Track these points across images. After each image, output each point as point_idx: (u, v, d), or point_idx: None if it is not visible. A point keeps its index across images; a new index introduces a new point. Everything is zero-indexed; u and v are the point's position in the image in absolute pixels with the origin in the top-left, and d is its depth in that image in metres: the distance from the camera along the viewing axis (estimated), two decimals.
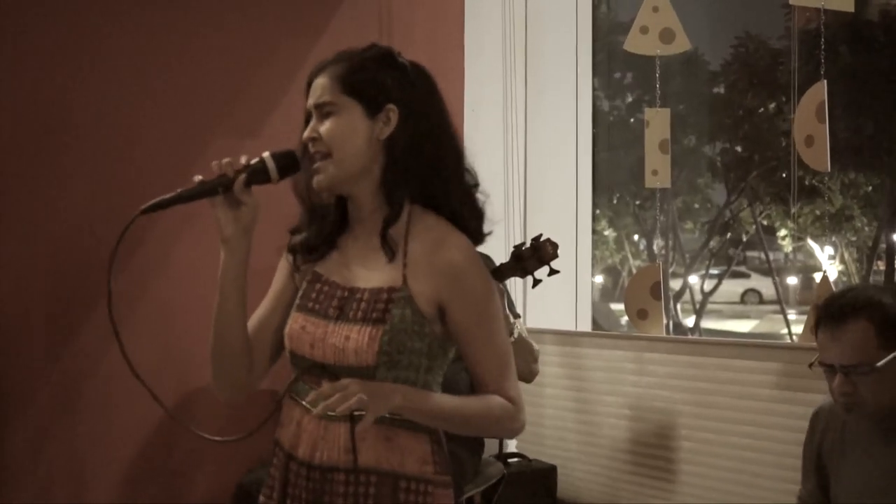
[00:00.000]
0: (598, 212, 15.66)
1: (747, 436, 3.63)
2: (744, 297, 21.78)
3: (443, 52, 4.46)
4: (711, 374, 3.77)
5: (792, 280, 18.21)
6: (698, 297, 17.11)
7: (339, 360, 1.89)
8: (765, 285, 20.66)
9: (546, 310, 4.57)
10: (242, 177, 1.87)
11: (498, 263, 3.22)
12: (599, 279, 18.70)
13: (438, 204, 1.96)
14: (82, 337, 3.55)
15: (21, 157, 3.49)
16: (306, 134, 1.92)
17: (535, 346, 3.31)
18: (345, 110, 1.90)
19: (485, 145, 4.59)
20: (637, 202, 16.57)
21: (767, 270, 18.47)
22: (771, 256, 17.82)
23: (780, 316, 16.45)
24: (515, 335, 3.14)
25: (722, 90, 15.47)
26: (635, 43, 4.37)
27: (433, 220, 1.95)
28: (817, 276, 12.27)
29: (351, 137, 1.90)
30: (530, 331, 3.66)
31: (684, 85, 14.79)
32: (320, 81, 1.94)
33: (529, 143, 4.77)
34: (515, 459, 4.26)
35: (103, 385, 3.53)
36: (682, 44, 4.33)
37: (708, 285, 17.20)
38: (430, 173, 1.94)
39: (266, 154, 1.89)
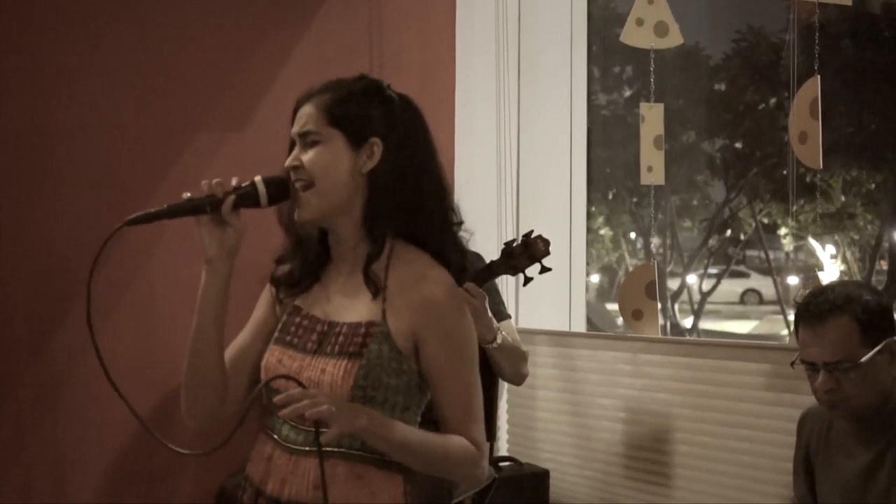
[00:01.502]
0: (594, 209, 15.66)
1: (745, 439, 3.63)
2: (743, 298, 21.79)
3: (433, 45, 4.45)
4: (709, 376, 3.77)
5: (793, 280, 18.22)
6: (696, 297, 17.12)
7: None
8: (765, 285, 20.67)
9: (539, 309, 4.57)
10: (231, 198, 1.89)
11: (488, 261, 3.22)
12: (595, 278, 18.70)
13: (421, 239, 1.98)
14: (64, 337, 3.55)
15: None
16: (289, 162, 1.95)
17: (524, 347, 3.30)
18: (328, 141, 1.93)
19: (476, 140, 4.59)
20: (634, 199, 16.57)
21: (767, 270, 18.49)
22: (771, 255, 17.84)
23: (781, 317, 16.47)
24: (499, 341, 3.13)
25: (722, 86, 15.47)
26: (631, 35, 4.37)
27: (414, 255, 1.97)
28: (820, 276, 12.30)
29: (333, 168, 1.92)
30: (522, 331, 3.66)
31: (683, 80, 14.79)
32: (306, 110, 1.97)
33: (522, 138, 4.77)
34: (507, 464, 4.26)
35: (85, 386, 3.53)
36: (675, 38, 4.33)
37: (706, 285, 17.21)
38: (413, 209, 1.96)
39: (258, 178, 1.93)
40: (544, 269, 3.13)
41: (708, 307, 17.51)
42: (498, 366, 3.22)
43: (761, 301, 21.28)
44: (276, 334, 2.02)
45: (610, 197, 16.73)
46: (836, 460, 2.45)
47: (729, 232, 17.16)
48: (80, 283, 3.46)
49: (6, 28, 3.50)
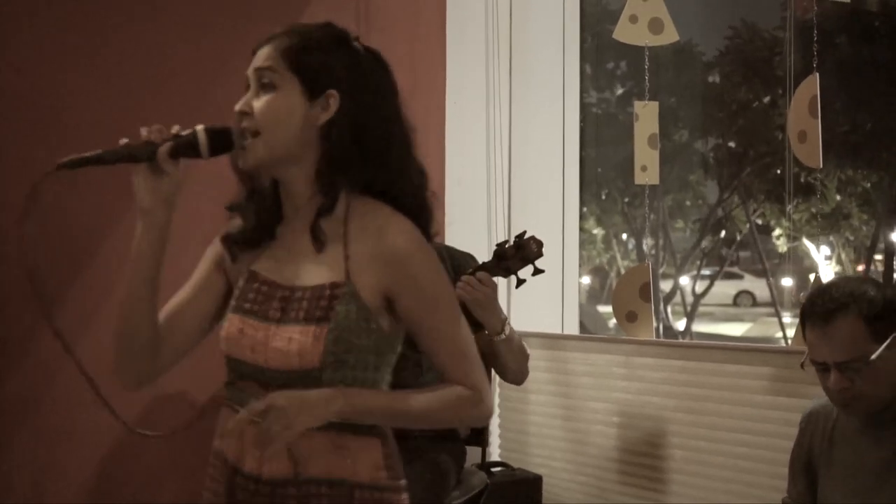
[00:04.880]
0: (585, 209, 15.67)
1: (741, 443, 3.64)
2: (737, 299, 21.84)
3: (423, 42, 4.46)
4: (703, 379, 3.78)
5: (787, 281, 18.27)
6: (689, 298, 17.16)
7: (284, 365, 1.86)
8: (758, 287, 20.72)
9: (531, 312, 4.57)
10: (168, 144, 1.83)
11: (480, 262, 3.23)
12: (586, 280, 18.71)
13: (380, 192, 1.93)
14: (46, 335, 3.53)
15: None
16: (239, 106, 1.89)
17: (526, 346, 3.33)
18: (284, 86, 1.88)
19: (467, 138, 4.60)
20: (626, 199, 16.59)
21: (761, 271, 18.53)
22: (765, 257, 17.88)
23: (775, 319, 16.51)
24: (507, 332, 3.14)
25: (716, 80, 15.47)
26: (624, 32, 4.38)
27: (374, 206, 1.92)
28: (812, 278, 12.33)
29: (285, 119, 1.87)
30: None
31: (676, 77, 14.81)
32: (266, 50, 1.92)
33: (514, 137, 4.77)
34: (499, 469, 4.27)
35: (67, 385, 3.51)
36: (670, 35, 4.35)
37: (699, 287, 17.25)
38: (370, 164, 1.91)
39: (200, 127, 1.87)
40: (537, 271, 3.14)
41: (701, 309, 17.55)
42: (502, 360, 3.22)
43: (755, 303, 21.32)
44: (233, 302, 1.96)
45: (602, 197, 16.75)
46: (843, 459, 2.47)
47: (723, 233, 17.20)
48: (62, 283, 3.47)
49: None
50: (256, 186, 1.96)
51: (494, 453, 4.54)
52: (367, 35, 4.28)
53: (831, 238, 16.29)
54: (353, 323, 1.86)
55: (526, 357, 3.32)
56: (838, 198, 14.76)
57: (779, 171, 14.33)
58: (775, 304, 16.79)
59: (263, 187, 1.96)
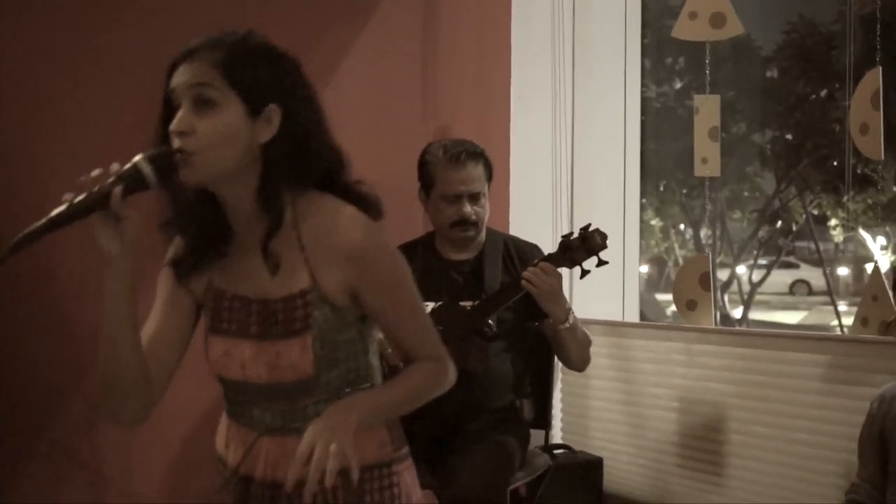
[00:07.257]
0: (644, 201, 15.55)
1: (799, 430, 3.60)
2: (792, 288, 21.58)
3: (489, 38, 4.45)
4: (763, 366, 3.75)
5: (843, 271, 18.00)
6: (746, 287, 16.97)
7: (277, 378, 1.85)
8: (814, 276, 20.45)
9: (592, 299, 4.56)
10: (119, 189, 1.67)
11: (545, 253, 3.23)
12: (645, 269, 18.59)
13: (324, 189, 1.89)
14: None
15: None
16: (177, 126, 1.76)
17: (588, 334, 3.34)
18: (227, 106, 1.77)
19: (532, 132, 4.59)
20: (684, 191, 16.44)
21: (817, 261, 18.27)
22: (821, 247, 17.64)
23: (830, 307, 16.28)
24: (571, 321, 3.15)
25: (774, 74, 15.29)
26: (684, 29, 4.34)
27: (319, 202, 1.87)
28: (868, 267, 12.13)
29: (230, 141, 1.77)
30: None
31: (734, 71, 14.64)
32: (198, 64, 1.79)
33: (577, 130, 4.76)
34: (561, 451, 4.26)
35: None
36: (733, 28, 4.30)
37: (756, 276, 17.05)
38: (315, 171, 1.86)
39: (139, 157, 1.72)
40: (601, 263, 3.14)
41: (757, 297, 17.35)
42: (566, 348, 3.24)
43: (811, 292, 21.04)
44: (209, 322, 1.92)
45: (660, 188, 16.62)
46: None
47: (779, 223, 16.98)
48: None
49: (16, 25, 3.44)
50: (183, 199, 1.85)
51: (557, 436, 4.54)
52: (434, 29, 4.31)
53: (887, 228, 16.02)
54: (332, 324, 1.85)
55: (588, 344, 3.32)
56: (895, 188, 14.50)
57: (835, 163, 14.10)
58: (831, 293, 16.55)
59: (191, 201, 1.85)
